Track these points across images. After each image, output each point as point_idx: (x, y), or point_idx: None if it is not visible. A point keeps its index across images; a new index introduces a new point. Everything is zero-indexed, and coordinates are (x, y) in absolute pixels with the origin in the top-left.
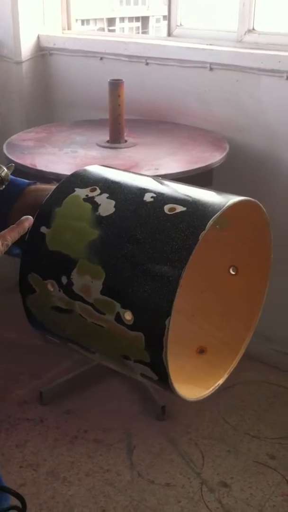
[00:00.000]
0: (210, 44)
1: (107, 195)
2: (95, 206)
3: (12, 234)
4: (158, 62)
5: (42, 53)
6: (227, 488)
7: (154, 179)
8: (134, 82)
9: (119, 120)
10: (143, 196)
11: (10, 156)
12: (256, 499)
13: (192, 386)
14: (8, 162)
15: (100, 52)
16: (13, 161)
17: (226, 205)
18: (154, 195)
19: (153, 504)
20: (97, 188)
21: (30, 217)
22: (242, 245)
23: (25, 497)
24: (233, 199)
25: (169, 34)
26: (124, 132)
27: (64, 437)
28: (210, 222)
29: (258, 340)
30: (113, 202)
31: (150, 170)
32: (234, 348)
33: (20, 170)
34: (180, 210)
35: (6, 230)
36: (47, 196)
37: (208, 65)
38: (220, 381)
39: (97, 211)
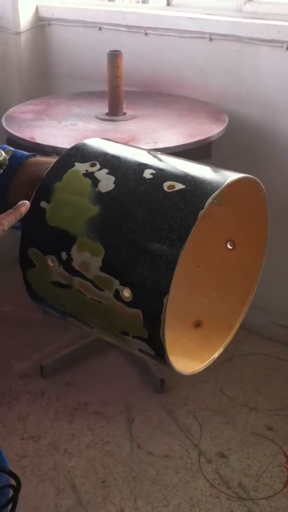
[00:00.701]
0: (210, 14)
1: (106, 170)
2: (95, 182)
3: (9, 219)
4: (157, 33)
5: (41, 23)
6: (225, 459)
7: (153, 154)
8: (133, 53)
9: (117, 92)
10: (142, 173)
11: (8, 129)
12: (253, 469)
13: (188, 360)
14: (6, 135)
15: (99, 22)
16: (11, 134)
17: (225, 184)
18: (154, 171)
19: (152, 475)
20: (97, 163)
21: (26, 202)
22: (239, 220)
23: (26, 469)
24: (232, 176)
25: (168, 3)
26: (123, 104)
27: (64, 409)
28: (209, 200)
29: (257, 313)
30: (112, 178)
31: (149, 143)
32: (230, 322)
33: (19, 144)
34: (179, 188)
35: (3, 214)
36: (47, 170)
37: (207, 35)
38: (216, 355)
39: (96, 187)
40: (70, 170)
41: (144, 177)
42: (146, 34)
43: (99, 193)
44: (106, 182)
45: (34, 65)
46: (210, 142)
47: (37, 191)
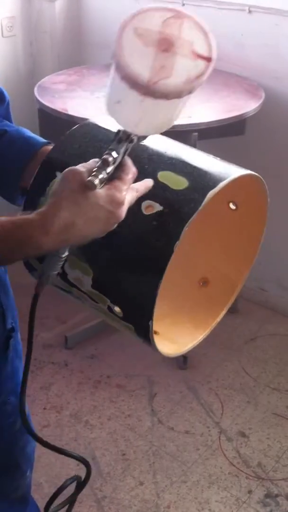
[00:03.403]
0: None
1: None
2: None
3: (141, 188)
4: (195, 3)
5: None
6: (245, 438)
7: (139, 160)
8: None
9: None
10: None
11: (41, 100)
12: (273, 450)
13: (192, 328)
14: (39, 105)
15: None
16: (43, 105)
17: (196, 213)
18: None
19: (172, 450)
20: None
21: (151, 180)
22: (240, 190)
23: (48, 438)
24: (210, 193)
25: None
26: None
27: (87, 381)
28: (185, 228)
29: (282, 293)
30: None
31: (182, 117)
32: (234, 281)
33: (51, 115)
34: (156, 210)
35: (137, 183)
36: (31, 181)
37: (246, 7)
38: (218, 319)
39: None
40: (52, 183)
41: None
42: (183, 4)
43: None
44: None
45: (67, 34)
46: (245, 118)
47: (23, 206)
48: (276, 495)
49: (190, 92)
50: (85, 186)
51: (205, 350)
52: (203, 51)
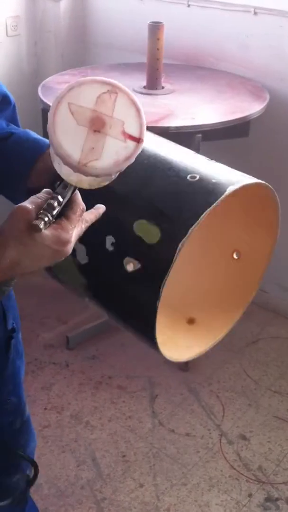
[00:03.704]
0: None
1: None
2: (73, 253)
3: (91, 217)
4: (200, 4)
5: None
6: (246, 441)
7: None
8: (174, 25)
9: (157, 65)
10: (104, 243)
11: (44, 99)
12: (274, 453)
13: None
14: (42, 105)
15: None
16: (47, 104)
17: (174, 257)
18: (114, 240)
19: (172, 453)
20: None
21: (103, 206)
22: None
23: (48, 439)
24: (184, 236)
25: None
26: (161, 78)
27: (88, 382)
28: (162, 287)
29: (284, 295)
30: (83, 249)
31: (186, 119)
32: (260, 257)
33: None
34: (137, 267)
35: (86, 212)
36: None
37: (252, 9)
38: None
39: (75, 257)
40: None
41: (107, 249)
42: (188, 5)
43: (80, 265)
44: (82, 254)
45: (72, 34)
46: (249, 120)
47: None
48: (277, 499)
49: (119, 171)
50: (31, 228)
51: (207, 352)
52: (134, 132)
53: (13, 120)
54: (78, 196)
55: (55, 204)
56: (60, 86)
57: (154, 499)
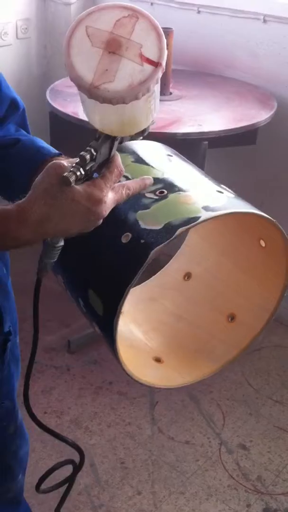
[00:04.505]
0: None
1: None
2: None
3: (134, 186)
4: (210, 11)
5: None
6: (246, 450)
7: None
8: (184, 31)
9: (166, 71)
10: None
11: (52, 103)
12: (274, 463)
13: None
14: (50, 108)
15: None
16: (55, 108)
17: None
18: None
19: (171, 460)
20: None
21: (150, 177)
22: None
23: (47, 443)
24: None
25: None
26: (170, 84)
27: (89, 387)
28: (121, 303)
29: (287, 304)
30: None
31: (193, 126)
32: (257, 322)
33: (62, 118)
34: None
35: (130, 181)
36: None
37: (261, 16)
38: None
39: None
40: None
41: (82, 309)
42: (198, 12)
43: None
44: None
45: None
46: (257, 128)
47: None
48: (275, 510)
49: (136, 98)
50: (61, 180)
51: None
52: (152, 55)
53: (22, 125)
54: (117, 157)
55: (87, 156)
56: (69, 90)
57: (152, 507)
